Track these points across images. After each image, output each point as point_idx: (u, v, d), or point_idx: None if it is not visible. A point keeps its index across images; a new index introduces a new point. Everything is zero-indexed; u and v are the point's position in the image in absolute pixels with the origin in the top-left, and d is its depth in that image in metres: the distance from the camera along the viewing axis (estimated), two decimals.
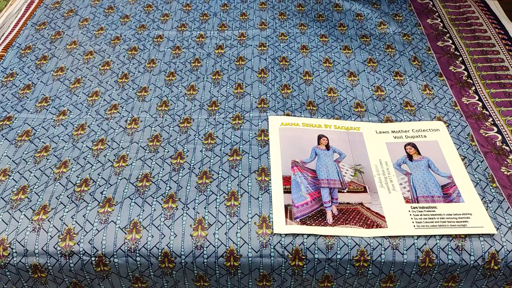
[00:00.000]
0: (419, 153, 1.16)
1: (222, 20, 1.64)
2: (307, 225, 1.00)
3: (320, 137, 1.20)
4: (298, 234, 0.99)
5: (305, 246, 0.98)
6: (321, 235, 0.99)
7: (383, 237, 0.99)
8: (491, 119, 1.27)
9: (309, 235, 0.99)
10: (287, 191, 1.07)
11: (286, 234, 0.99)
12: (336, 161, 1.15)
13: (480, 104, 1.32)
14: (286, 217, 1.02)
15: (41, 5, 1.74)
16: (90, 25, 1.62)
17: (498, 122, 1.26)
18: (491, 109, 1.30)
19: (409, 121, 1.25)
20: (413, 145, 1.18)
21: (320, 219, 1.02)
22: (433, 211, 1.03)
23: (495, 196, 1.07)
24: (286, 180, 1.10)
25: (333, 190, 1.08)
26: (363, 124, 1.24)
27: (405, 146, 1.18)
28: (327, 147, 1.18)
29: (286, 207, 1.04)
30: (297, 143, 1.19)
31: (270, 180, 1.10)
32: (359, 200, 1.07)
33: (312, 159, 1.15)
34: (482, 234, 0.99)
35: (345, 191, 1.08)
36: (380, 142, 1.19)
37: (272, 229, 1.00)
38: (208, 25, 1.62)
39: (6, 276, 1.00)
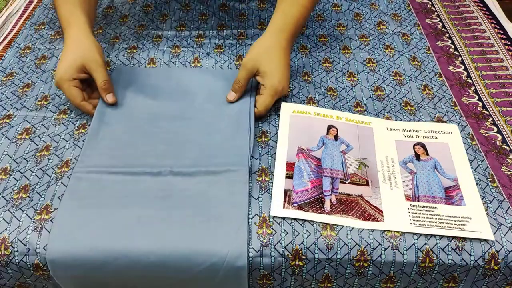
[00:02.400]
0: (427, 154, 1.16)
1: (221, 19, 1.64)
2: (304, 211, 1.02)
3: (329, 127, 1.21)
4: (298, 233, 0.99)
5: (305, 246, 0.98)
6: (317, 222, 1.01)
7: (383, 236, 0.99)
8: (491, 119, 1.27)
9: (309, 234, 0.99)
10: (289, 176, 1.09)
11: (286, 233, 0.99)
12: (342, 152, 1.15)
13: (480, 104, 1.32)
14: (285, 201, 1.03)
15: (40, 5, 1.74)
16: None
17: (498, 122, 1.26)
18: (491, 109, 1.31)
19: (409, 121, 1.25)
20: (422, 145, 1.18)
21: (317, 206, 1.03)
22: (432, 211, 1.03)
23: (495, 196, 1.08)
24: (290, 166, 1.11)
25: (335, 179, 1.09)
26: (374, 119, 1.25)
27: (414, 146, 1.18)
28: (336, 137, 1.18)
29: (286, 191, 1.05)
30: (306, 131, 1.20)
31: (270, 180, 1.10)
32: (359, 193, 1.07)
33: (319, 148, 1.15)
34: (479, 239, 1.00)
35: (347, 182, 1.09)
36: (390, 139, 1.19)
37: (273, 229, 1.00)
38: (207, 25, 1.62)
39: (8, 273, 1.00)
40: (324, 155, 1.14)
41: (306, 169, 1.10)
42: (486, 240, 0.99)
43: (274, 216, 1.02)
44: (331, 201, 1.05)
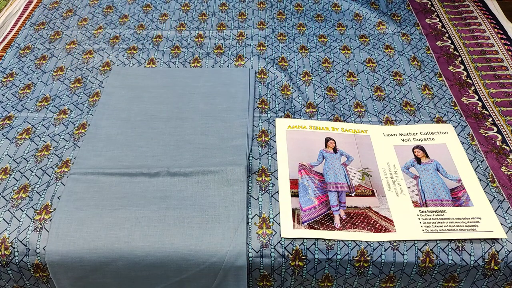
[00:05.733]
0: (427, 156, 1.15)
1: (221, 20, 1.64)
2: (314, 229, 1.00)
3: (327, 140, 1.20)
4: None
5: (305, 247, 0.98)
6: (329, 239, 0.99)
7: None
8: (490, 119, 1.27)
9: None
10: (294, 194, 1.07)
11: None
12: (343, 164, 1.14)
13: (480, 104, 1.32)
14: (294, 221, 1.02)
15: (40, 5, 1.74)
16: (89, 24, 1.62)
17: (498, 122, 1.26)
18: (490, 109, 1.30)
19: (409, 121, 1.25)
20: (422, 148, 1.17)
21: (328, 223, 1.01)
22: (442, 215, 1.03)
23: (495, 196, 1.07)
24: (293, 183, 1.09)
25: (340, 193, 1.08)
26: (370, 126, 1.24)
27: (413, 149, 1.17)
28: (335, 150, 1.17)
29: (293, 211, 1.04)
30: (304, 146, 1.18)
31: (270, 180, 1.10)
32: (367, 204, 1.06)
33: (319, 162, 1.14)
34: (492, 239, 0.99)
35: (352, 194, 1.08)
36: (388, 145, 1.19)
37: (273, 229, 1.00)
38: (207, 25, 1.62)
39: (7, 274, 1.00)
40: (326, 170, 1.13)
41: (310, 186, 1.09)
42: (486, 240, 0.99)
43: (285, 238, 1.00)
44: (340, 216, 1.03)
